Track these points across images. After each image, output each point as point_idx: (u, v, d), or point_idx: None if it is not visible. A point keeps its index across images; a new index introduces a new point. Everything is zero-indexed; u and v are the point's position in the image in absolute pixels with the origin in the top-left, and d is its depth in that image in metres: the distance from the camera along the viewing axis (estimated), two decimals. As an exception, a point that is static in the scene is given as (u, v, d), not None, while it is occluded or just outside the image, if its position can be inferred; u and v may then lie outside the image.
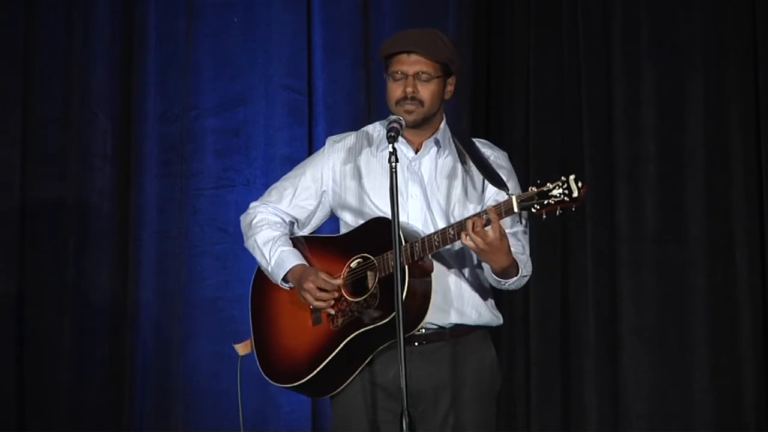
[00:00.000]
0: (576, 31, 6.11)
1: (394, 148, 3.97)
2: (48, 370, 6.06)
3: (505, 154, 4.35)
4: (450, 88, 4.25)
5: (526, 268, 4.14)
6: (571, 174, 3.87)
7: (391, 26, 6.15)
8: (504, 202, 3.93)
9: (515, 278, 4.11)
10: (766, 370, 5.86)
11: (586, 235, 6.01)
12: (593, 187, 6.00)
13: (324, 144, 4.43)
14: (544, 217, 3.90)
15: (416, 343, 4.15)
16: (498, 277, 4.10)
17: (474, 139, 4.34)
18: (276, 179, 4.47)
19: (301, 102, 6.23)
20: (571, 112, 6.11)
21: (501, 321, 4.30)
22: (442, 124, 4.29)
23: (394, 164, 3.94)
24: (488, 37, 6.26)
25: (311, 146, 6.14)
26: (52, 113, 6.18)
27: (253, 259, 4.40)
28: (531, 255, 4.22)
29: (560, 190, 3.86)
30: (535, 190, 3.89)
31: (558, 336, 6.06)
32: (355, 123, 5.94)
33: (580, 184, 3.86)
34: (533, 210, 3.89)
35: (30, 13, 6.16)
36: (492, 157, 4.28)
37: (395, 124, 4.09)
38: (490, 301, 4.28)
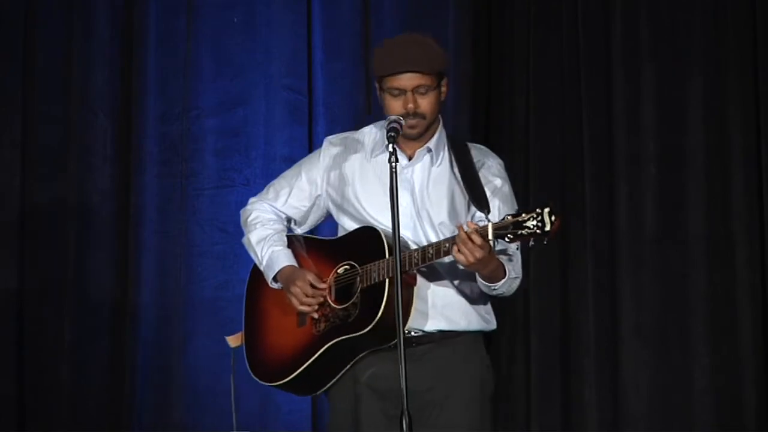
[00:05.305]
0: (576, 31, 6.11)
1: (394, 149, 3.96)
2: (48, 369, 6.06)
3: (501, 162, 4.31)
4: (444, 89, 4.21)
5: (515, 270, 4.12)
6: (546, 206, 3.85)
7: (391, 26, 6.15)
8: (481, 228, 3.91)
9: (503, 281, 4.09)
10: (766, 370, 5.86)
11: (586, 235, 6.01)
12: (593, 187, 6.01)
13: (322, 144, 4.42)
14: (517, 247, 3.94)
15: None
16: (486, 282, 4.08)
17: (471, 145, 4.31)
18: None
19: (301, 102, 6.23)
20: (571, 112, 6.11)
21: (494, 326, 4.27)
22: (438, 131, 4.25)
23: (394, 164, 3.93)
24: (488, 37, 6.26)
25: (311, 146, 6.13)
26: (52, 113, 6.17)
27: (250, 258, 4.41)
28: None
29: (534, 222, 3.84)
30: (511, 219, 3.88)
31: (558, 336, 6.05)
32: (355, 123, 5.93)
33: (553, 218, 3.83)
34: (506, 239, 3.89)
35: (30, 13, 6.16)
36: (485, 166, 4.25)
37: (395, 124, 4.07)
38: (483, 308, 4.25)
